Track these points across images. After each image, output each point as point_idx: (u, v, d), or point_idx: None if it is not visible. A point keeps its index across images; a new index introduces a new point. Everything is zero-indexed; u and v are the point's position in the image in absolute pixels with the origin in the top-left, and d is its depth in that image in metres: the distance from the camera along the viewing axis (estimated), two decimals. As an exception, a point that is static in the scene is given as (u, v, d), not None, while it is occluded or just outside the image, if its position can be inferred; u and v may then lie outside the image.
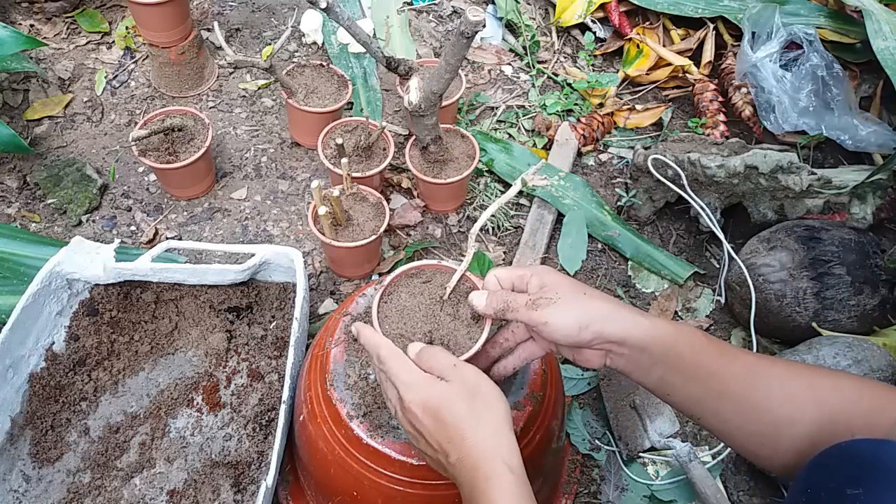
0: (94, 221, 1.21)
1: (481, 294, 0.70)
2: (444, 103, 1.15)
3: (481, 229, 1.13)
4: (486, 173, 1.31)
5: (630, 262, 1.23)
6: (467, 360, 0.67)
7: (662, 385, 0.67)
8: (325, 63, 1.28)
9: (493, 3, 1.59)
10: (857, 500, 0.52)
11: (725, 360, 0.65)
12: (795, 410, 0.62)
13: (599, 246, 1.25)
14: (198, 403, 0.97)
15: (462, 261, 0.73)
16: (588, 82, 1.43)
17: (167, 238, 1.19)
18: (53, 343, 0.96)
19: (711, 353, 0.65)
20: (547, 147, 1.36)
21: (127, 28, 1.45)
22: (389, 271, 1.16)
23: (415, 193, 1.26)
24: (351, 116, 1.26)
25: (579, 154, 1.36)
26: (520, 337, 0.72)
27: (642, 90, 1.48)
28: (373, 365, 0.70)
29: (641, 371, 0.66)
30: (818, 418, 0.61)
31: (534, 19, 1.59)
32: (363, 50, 1.24)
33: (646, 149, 1.25)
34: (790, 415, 0.62)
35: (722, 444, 1.01)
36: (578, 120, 1.38)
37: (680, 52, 1.47)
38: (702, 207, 1.17)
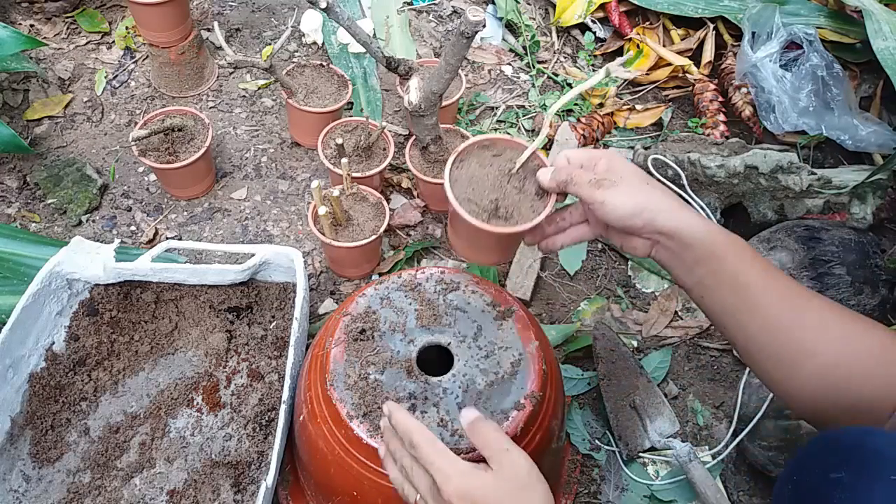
0: (94, 221, 1.21)
1: (549, 169, 0.73)
2: (444, 103, 1.15)
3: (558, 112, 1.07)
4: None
5: (630, 262, 1.23)
6: (527, 231, 0.73)
7: (699, 287, 0.68)
8: (325, 63, 1.28)
9: (493, 3, 1.59)
10: (839, 483, 0.53)
11: (767, 278, 0.66)
12: (821, 343, 0.62)
13: (599, 246, 1.25)
14: (198, 403, 0.97)
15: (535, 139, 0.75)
16: (588, 82, 1.43)
17: (167, 238, 1.19)
18: (53, 343, 0.96)
19: (756, 268, 0.66)
20: (547, 147, 1.36)
21: (127, 28, 1.45)
22: (390, 271, 1.16)
23: (415, 193, 1.26)
24: (351, 116, 1.26)
25: (579, 154, 1.36)
26: (575, 219, 0.75)
27: (642, 90, 1.48)
28: (394, 451, 0.66)
29: (684, 268, 0.68)
30: (838, 358, 0.61)
31: (534, 19, 1.59)
32: (363, 50, 1.24)
33: (646, 149, 1.25)
34: (815, 346, 0.63)
35: (722, 444, 1.01)
36: (578, 120, 1.38)
37: (680, 52, 1.47)
38: (702, 207, 1.17)
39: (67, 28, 1.45)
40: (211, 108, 1.37)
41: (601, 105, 1.42)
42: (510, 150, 0.77)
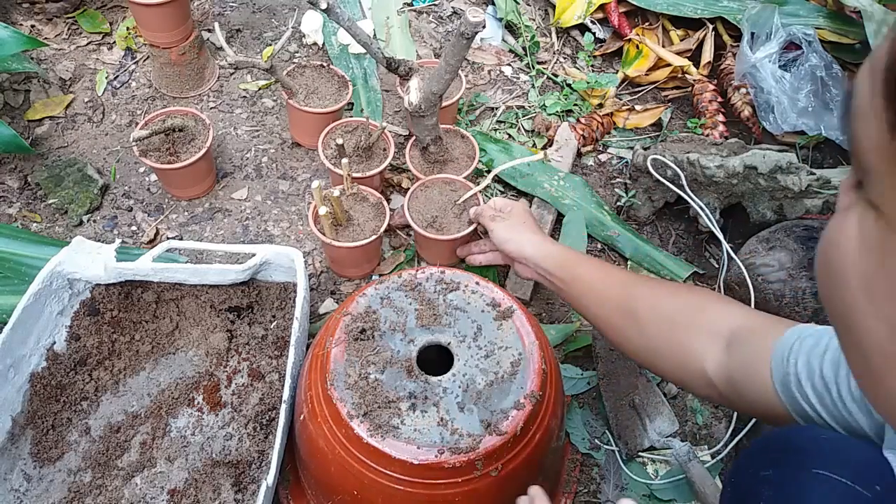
0: (95, 221, 1.21)
1: (474, 207, 1.08)
2: (444, 104, 1.15)
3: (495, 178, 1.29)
4: (485, 173, 1.31)
5: (629, 262, 1.23)
6: (453, 240, 1.08)
7: (562, 294, 0.91)
8: (325, 64, 1.28)
9: (493, 3, 1.59)
10: (767, 480, 0.57)
11: (603, 273, 0.87)
12: (647, 309, 0.80)
13: (599, 246, 1.25)
14: (198, 403, 0.97)
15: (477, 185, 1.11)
16: (587, 83, 1.43)
17: (168, 238, 1.19)
18: (54, 343, 0.97)
19: (594, 268, 0.88)
20: (547, 147, 1.36)
21: (128, 28, 1.45)
22: (391, 272, 1.17)
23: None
24: (351, 117, 1.26)
25: (579, 154, 1.36)
26: (490, 246, 1.07)
27: (642, 91, 1.48)
28: None
29: (557, 290, 0.91)
30: (659, 320, 0.79)
31: (533, 20, 1.59)
32: (363, 51, 1.24)
33: (645, 149, 1.25)
34: (643, 312, 0.80)
35: (721, 444, 1.01)
36: (578, 120, 1.38)
37: (679, 53, 1.48)
38: (701, 208, 1.18)
39: (68, 28, 1.45)
40: (212, 108, 1.37)
41: (601, 105, 1.42)
42: (462, 189, 1.12)
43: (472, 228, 1.08)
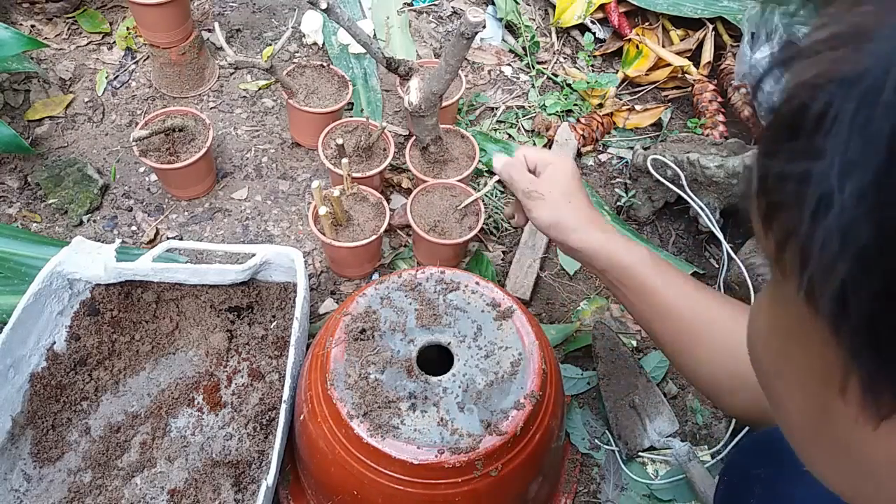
0: (94, 221, 1.21)
1: (502, 158, 0.88)
2: (444, 104, 1.15)
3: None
4: (486, 173, 1.31)
5: (629, 263, 1.23)
6: (454, 244, 1.08)
7: (611, 289, 0.80)
8: (325, 64, 1.28)
9: (493, 3, 1.59)
10: (759, 478, 0.57)
11: (665, 278, 0.76)
12: (708, 330, 0.72)
13: (599, 246, 1.25)
14: (198, 403, 0.97)
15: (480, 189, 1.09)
16: (587, 83, 1.43)
17: (168, 238, 1.19)
18: (54, 343, 0.97)
19: (652, 270, 0.76)
20: (547, 147, 1.36)
21: (128, 28, 1.45)
22: (392, 270, 1.17)
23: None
24: (351, 117, 1.26)
25: (579, 154, 1.36)
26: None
27: (642, 91, 1.48)
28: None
29: (596, 273, 0.81)
30: (724, 342, 0.70)
31: (533, 20, 1.59)
32: (363, 51, 1.24)
33: (645, 149, 1.25)
34: (706, 333, 0.72)
35: (721, 444, 1.01)
36: (578, 120, 1.38)
37: (679, 53, 1.47)
38: (701, 208, 1.18)
39: (68, 29, 1.45)
40: (212, 108, 1.37)
41: (601, 105, 1.42)
42: (463, 195, 1.12)
43: (473, 234, 1.07)
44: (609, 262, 0.77)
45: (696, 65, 1.46)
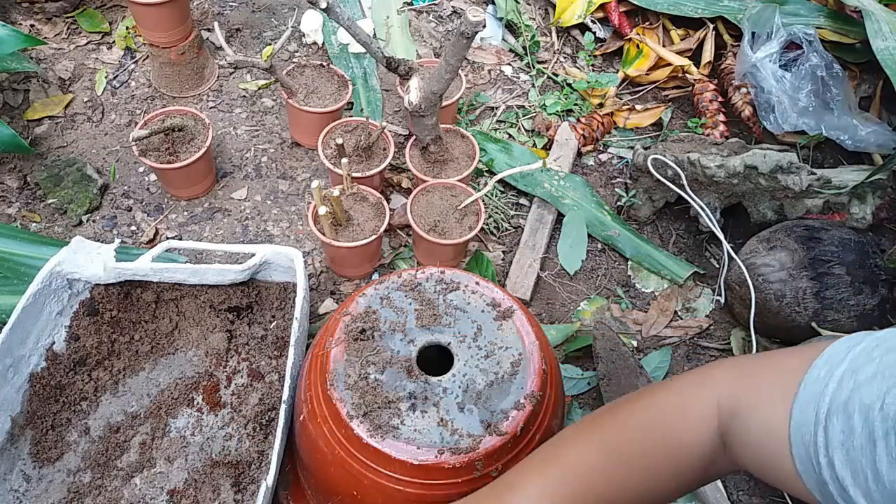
0: (94, 221, 1.21)
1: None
2: (444, 103, 1.15)
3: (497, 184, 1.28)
4: (486, 173, 1.31)
5: (630, 262, 1.23)
6: (455, 244, 1.08)
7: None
8: (325, 63, 1.28)
9: (493, 3, 1.59)
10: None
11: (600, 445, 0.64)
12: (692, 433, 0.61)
13: (599, 246, 1.25)
14: (198, 403, 0.97)
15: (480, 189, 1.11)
16: (588, 82, 1.43)
17: (167, 238, 1.19)
18: (54, 343, 0.96)
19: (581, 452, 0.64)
20: (547, 147, 1.36)
21: (127, 28, 1.45)
22: (392, 270, 1.17)
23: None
24: (351, 116, 1.26)
25: (579, 154, 1.36)
26: None
27: (642, 90, 1.48)
28: None
29: None
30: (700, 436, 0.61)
31: (534, 19, 1.59)
32: (363, 50, 1.24)
33: (645, 149, 1.25)
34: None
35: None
36: (578, 120, 1.38)
37: (680, 53, 1.47)
38: (701, 207, 1.18)
39: (68, 28, 1.45)
40: (211, 108, 1.37)
41: (601, 105, 1.42)
42: (463, 195, 1.13)
43: (473, 234, 1.08)
44: None
45: (697, 64, 1.46)
